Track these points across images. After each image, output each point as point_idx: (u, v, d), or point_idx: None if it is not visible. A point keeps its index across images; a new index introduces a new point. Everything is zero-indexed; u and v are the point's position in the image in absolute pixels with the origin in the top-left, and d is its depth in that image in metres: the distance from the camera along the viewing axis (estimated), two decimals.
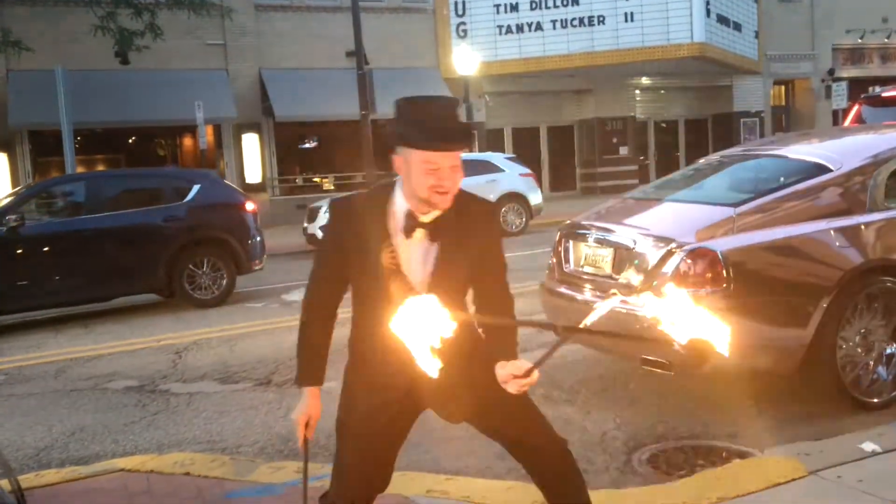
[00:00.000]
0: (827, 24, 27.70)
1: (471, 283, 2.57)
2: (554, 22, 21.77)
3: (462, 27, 22.24)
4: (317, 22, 21.63)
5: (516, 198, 16.27)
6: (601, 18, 21.56)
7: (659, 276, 4.62)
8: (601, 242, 5.14)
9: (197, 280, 10.22)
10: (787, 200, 4.76)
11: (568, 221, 5.82)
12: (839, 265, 4.56)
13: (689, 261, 4.52)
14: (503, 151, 22.22)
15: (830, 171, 4.91)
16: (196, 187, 10.41)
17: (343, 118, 20.60)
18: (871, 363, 4.73)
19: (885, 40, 28.89)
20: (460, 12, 22.30)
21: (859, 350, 4.70)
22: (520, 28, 21.99)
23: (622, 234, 5.06)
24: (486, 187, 16.34)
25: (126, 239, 10.00)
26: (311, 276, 2.61)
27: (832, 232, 4.64)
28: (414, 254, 2.45)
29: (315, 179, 22.84)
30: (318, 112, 20.67)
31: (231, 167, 21.25)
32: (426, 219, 2.43)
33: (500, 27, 22.02)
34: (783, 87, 29.01)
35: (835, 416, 4.57)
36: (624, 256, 4.91)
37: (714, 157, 6.39)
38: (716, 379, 5.23)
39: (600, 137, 25.28)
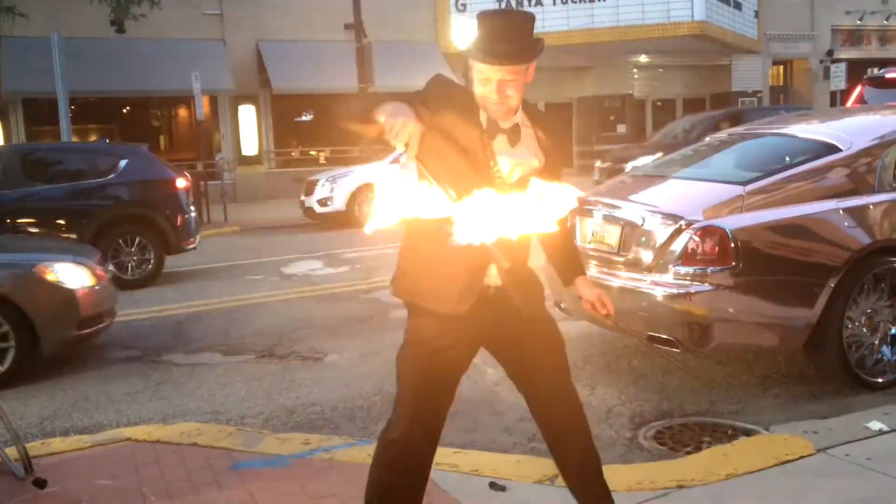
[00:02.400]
0: (826, 4, 27.58)
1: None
2: None
3: (461, 2, 22.05)
4: None
5: None
6: None
7: (668, 253, 4.62)
8: (608, 219, 5.12)
9: (122, 259, 9.73)
10: (797, 180, 4.75)
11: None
12: (847, 245, 4.56)
13: (697, 238, 4.51)
14: None
15: (840, 150, 4.91)
16: (123, 162, 9.91)
17: (341, 91, 20.39)
18: (877, 343, 4.75)
19: (885, 22, 28.78)
20: None
21: (865, 330, 4.72)
22: (519, 3, 21.81)
23: (630, 210, 5.04)
24: None
25: (46, 216, 9.44)
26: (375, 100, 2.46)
27: (840, 212, 4.63)
28: (499, 152, 2.51)
29: (311, 152, 22.71)
30: (316, 85, 20.50)
31: (227, 139, 21.11)
32: (505, 125, 2.53)
33: (499, 2, 21.84)
34: (782, 68, 28.92)
35: (840, 395, 4.60)
36: (631, 233, 4.90)
37: (721, 134, 6.37)
38: (721, 357, 5.27)
39: (598, 115, 25.18)
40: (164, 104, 22.21)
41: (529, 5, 21.68)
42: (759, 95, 27.01)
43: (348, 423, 4.67)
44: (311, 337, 6.68)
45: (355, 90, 18.15)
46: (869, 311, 4.71)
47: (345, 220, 14.61)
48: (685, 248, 4.53)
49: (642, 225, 4.82)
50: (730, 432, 4.21)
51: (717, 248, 4.46)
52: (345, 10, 19.76)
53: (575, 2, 21.58)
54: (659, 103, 27.40)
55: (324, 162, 22.19)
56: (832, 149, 4.93)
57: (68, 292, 5.87)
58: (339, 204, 14.94)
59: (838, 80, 24.80)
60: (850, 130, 5.22)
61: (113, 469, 3.87)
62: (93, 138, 19.68)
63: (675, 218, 4.69)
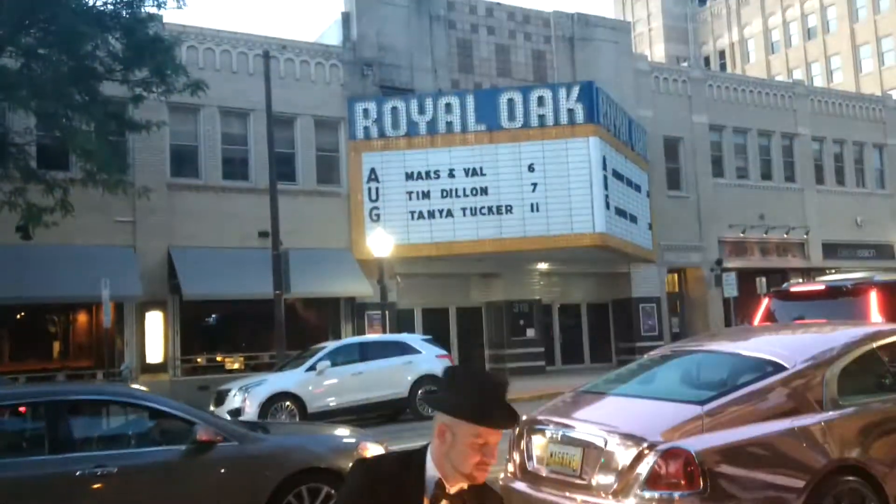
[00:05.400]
0: (712, 218, 29.79)
1: None
2: (464, 209, 22.56)
3: (375, 212, 22.74)
4: (229, 202, 21.68)
5: (433, 379, 16.02)
6: (509, 208, 22.50)
7: (633, 477, 4.50)
8: (566, 440, 5.00)
9: None
10: (751, 398, 4.81)
11: (525, 416, 5.68)
12: (808, 465, 4.57)
13: (662, 462, 4.43)
14: (413, 331, 22.22)
15: (785, 368, 5.03)
16: None
17: (253, 297, 20.26)
18: None
19: (764, 235, 31.18)
20: (374, 198, 22.87)
21: None
22: (431, 214, 22.65)
23: (587, 431, 4.95)
24: (403, 369, 16.13)
25: None
26: None
27: (796, 430, 4.67)
28: None
29: (219, 359, 22.04)
30: (228, 290, 20.27)
31: (131, 347, 20.31)
32: (451, 490, 2.45)
33: (412, 213, 22.63)
34: (676, 275, 30.57)
35: None
36: (592, 456, 4.78)
37: (662, 350, 6.48)
38: None
39: (508, 319, 25.70)
40: (64, 311, 21.40)
41: (441, 217, 22.54)
42: (658, 301, 28.27)
43: None
44: None
45: (271, 297, 18.01)
46: None
47: None
48: (650, 471, 4.43)
49: (604, 447, 4.72)
50: None
51: (682, 472, 4.38)
52: (258, 217, 20.04)
53: (484, 213, 22.56)
54: (567, 308, 28.26)
55: (237, 367, 21.54)
56: (777, 367, 5.05)
57: None
58: (251, 414, 14.31)
59: (730, 287, 26.36)
60: (790, 348, 5.39)
61: None
62: None
63: (636, 440, 4.62)
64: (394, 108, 23.08)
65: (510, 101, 22.98)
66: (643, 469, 4.46)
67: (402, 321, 23.20)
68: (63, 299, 19.34)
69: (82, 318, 21.62)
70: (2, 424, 6.29)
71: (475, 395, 2.40)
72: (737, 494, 4.45)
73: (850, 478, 4.73)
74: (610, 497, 4.57)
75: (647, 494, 4.42)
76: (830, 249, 32.18)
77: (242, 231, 21.21)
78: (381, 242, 20.52)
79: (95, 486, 5.49)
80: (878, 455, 4.86)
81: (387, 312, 20.76)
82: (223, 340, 22.50)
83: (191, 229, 20.98)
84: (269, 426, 7.50)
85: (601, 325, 28.48)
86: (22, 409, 6.10)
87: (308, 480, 6.11)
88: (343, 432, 7.31)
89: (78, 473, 5.45)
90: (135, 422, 6.46)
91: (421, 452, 2.50)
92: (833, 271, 24.87)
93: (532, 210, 22.53)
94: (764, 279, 26.92)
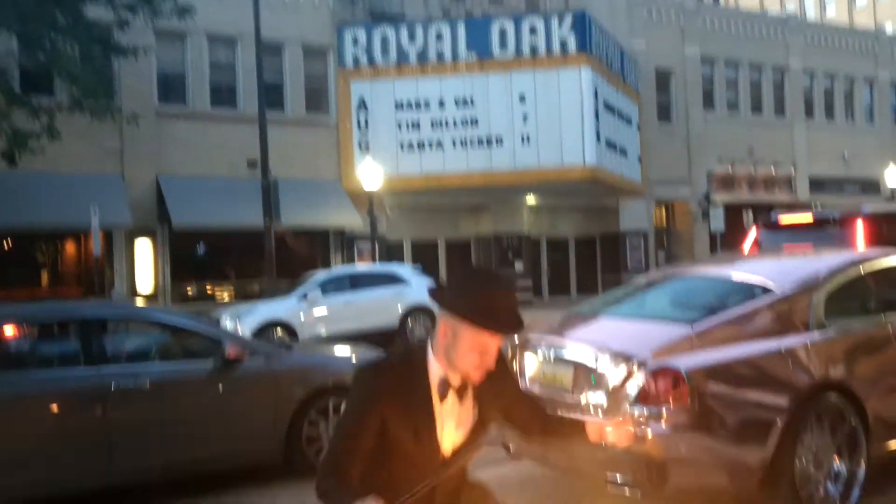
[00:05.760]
0: (701, 151, 29.79)
1: (509, 416, 2.74)
2: (454, 141, 22.46)
3: (364, 142, 22.62)
4: (218, 131, 21.49)
5: (423, 310, 16.22)
6: (499, 139, 22.41)
7: (623, 395, 4.63)
8: (559, 359, 5.12)
9: None
10: (740, 320, 4.92)
11: (517, 337, 5.79)
12: (793, 384, 4.71)
13: (652, 379, 4.55)
14: (403, 264, 22.33)
15: (773, 292, 5.14)
16: None
17: (242, 227, 20.26)
18: (822, 479, 4.83)
19: (752, 169, 31.25)
20: (363, 128, 22.72)
21: (811, 468, 4.80)
22: (421, 145, 22.54)
23: (579, 350, 5.06)
24: (394, 299, 16.29)
25: None
26: (337, 448, 2.45)
27: (783, 351, 4.80)
28: (447, 416, 2.51)
29: (209, 289, 22.14)
30: (217, 220, 20.25)
31: (121, 275, 20.36)
32: (456, 382, 2.51)
33: (401, 144, 22.51)
34: (664, 209, 30.71)
35: None
36: (584, 374, 4.90)
37: (654, 275, 6.59)
38: (679, 499, 5.21)
39: (496, 252, 25.84)
40: (52, 239, 21.35)
41: (431, 148, 22.43)
42: (645, 235, 28.45)
43: None
44: None
45: (260, 227, 18.00)
46: (814, 448, 4.81)
47: None
48: (640, 389, 4.56)
49: (595, 366, 4.84)
50: None
51: (672, 389, 4.50)
52: (247, 146, 19.87)
53: (474, 145, 22.47)
54: (554, 242, 28.43)
55: (226, 297, 21.65)
56: (766, 290, 5.16)
57: None
58: None
59: (717, 221, 26.49)
60: (778, 273, 5.49)
61: None
62: None
63: (626, 358, 4.73)
64: (384, 36, 22.74)
65: (502, 30, 22.67)
66: (633, 386, 4.58)
67: (392, 253, 23.30)
68: (51, 227, 19.29)
69: (70, 246, 21.59)
70: (39, 340, 6.58)
71: (479, 298, 2.39)
72: (724, 411, 4.59)
73: (833, 396, 4.88)
74: (601, 413, 4.71)
75: (637, 411, 4.56)
76: (817, 184, 32.34)
77: (231, 160, 21.08)
78: (370, 174, 20.45)
79: (129, 398, 5.72)
80: (860, 375, 5.01)
81: (376, 244, 20.83)
82: (213, 270, 22.55)
83: (179, 157, 20.83)
84: (292, 345, 7.62)
85: (588, 258, 28.69)
86: (57, 326, 6.37)
87: (331, 396, 6.31)
88: (363, 351, 7.39)
89: (113, 387, 5.67)
90: (165, 340, 6.67)
91: (421, 349, 2.52)
92: (818, 206, 25.06)
93: (522, 142, 22.45)
94: (751, 213, 27.08)
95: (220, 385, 6.06)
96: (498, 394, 2.62)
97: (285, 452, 6.17)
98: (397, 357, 2.58)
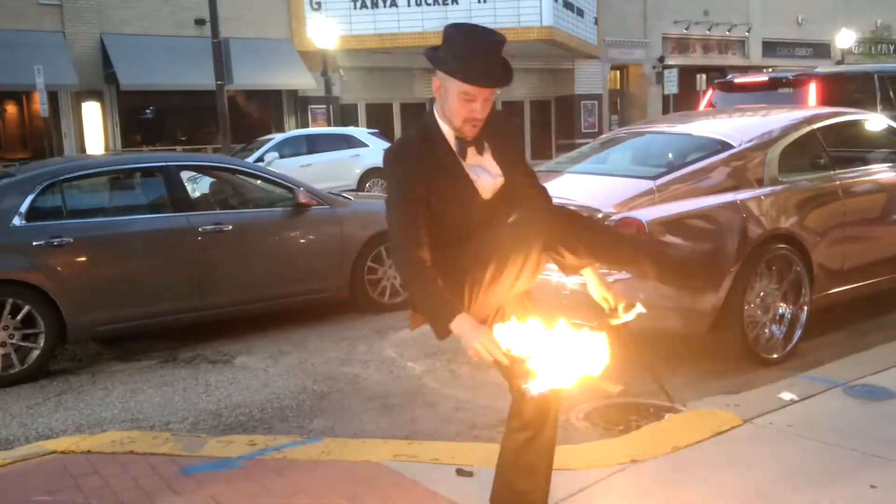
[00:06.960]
0: (657, 14, 29.47)
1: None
2: None
3: (316, 0, 21.85)
4: None
5: (380, 172, 16.24)
6: None
7: None
8: None
9: None
10: (699, 174, 5.14)
11: None
12: (746, 234, 4.99)
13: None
14: (357, 126, 22.14)
15: (732, 147, 5.35)
16: None
17: (192, 87, 19.75)
18: (768, 322, 5.22)
19: (707, 32, 31.09)
20: None
21: (759, 311, 5.17)
22: (374, 3, 21.88)
23: None
24: (351, 162, 16.29)
25: None
26: (400, 222, 2.55)
27: (738, 203, 5.06)
28: (475, 166, 2.64)
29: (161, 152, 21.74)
30: (166, 80, 19.67)
31: (70, 138, 19.85)
32: (469, 134, 2.62)
33: (354, 1, 21.82)
34: (619, 72, 30.62)
35: (740, 371, 5.01)
36: None
37: (616, 132, 6.74)
38: (630, 341, 5.57)
39: None
40: None
41: (384, 6, 21.79)
42: (599, 98, 28.46)
43: (281, 422, 4.61)
44: (214, 338, 6.48)
45: (212, 87, 17.57)
46: (762, 293, 5.17)
47: None
48: None
49: None
50: (651, 410, 4.50)
51: None
52: (194, 4, 19.11)
53: (429, 4, 21.89)
54: (509, 104, 28.31)
55: None
56: (725, 146, 5.37)
57: None
58: None
59: (671, 84, 26.58)
60: (736, 129, 5.69)
61: (49, 484, 3.64)
62: None
63: (591, 211, 4.93)
64: None
65: None
66: None
67: (346, 116, 23.02)
68: None
69: (12, 108, 20.86)
70: (131, 187, 7.17)
71: (465, 52, 2.45)
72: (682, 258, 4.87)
73: (782, 246, 5.20)
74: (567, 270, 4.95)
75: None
76: (770, 47, 32.41)
77: (178, 17, 20.28)
78: (323, 32, 19.90)
79: (215, 239, 6.36)
80: (808, 226, 5.31)
81: (330, 106, 20.53)
82: (164, 133, 22.11)
83: (123, 14, 19.95)
84: (351, 196, 8.05)
85: (543, 121, 28.72)
86: (147, 174, 6.83)
87: (386, 241, 6.76)
88: None
89: (200, 229, 6.28)
90: (244, 187, 7.35)
91: (430, 116, 2.63)
92: (771, 70, 25.24)
93: (478, 1, 21.93)
94: (704, 76, 27.19)
95: (294, 228, 6.81)
96: (510, 150, 2.75)
97: (350, 289, 6.94)
98: (413, 130, 2.70)
